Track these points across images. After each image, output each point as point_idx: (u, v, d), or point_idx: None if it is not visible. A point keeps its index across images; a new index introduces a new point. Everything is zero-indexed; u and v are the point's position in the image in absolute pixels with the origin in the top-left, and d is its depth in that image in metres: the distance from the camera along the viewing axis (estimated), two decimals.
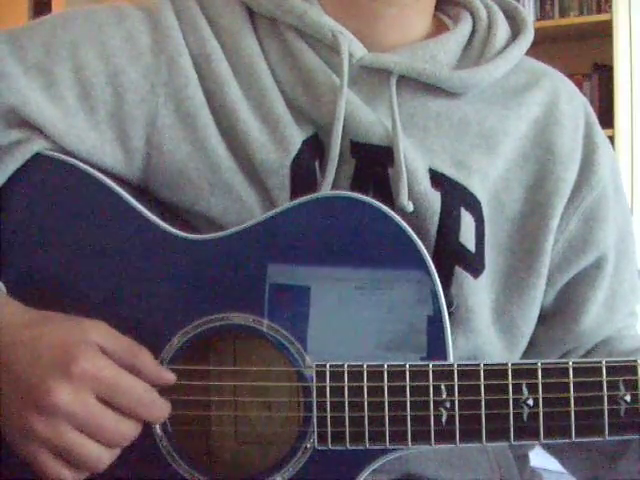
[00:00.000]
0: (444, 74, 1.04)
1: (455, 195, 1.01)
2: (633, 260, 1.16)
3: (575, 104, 1.13)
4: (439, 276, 0.94)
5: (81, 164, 0.99)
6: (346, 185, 1.01)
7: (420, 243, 0.93)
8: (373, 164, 1.01)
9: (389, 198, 1.00)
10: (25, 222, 0.99)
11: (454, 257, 1.01)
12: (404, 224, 0.93)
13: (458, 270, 1.01)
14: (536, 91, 1.10)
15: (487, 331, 1.05)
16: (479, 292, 1.03)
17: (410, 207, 0.98)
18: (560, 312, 1.11)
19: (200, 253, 0.96)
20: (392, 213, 0.93)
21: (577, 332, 1.10)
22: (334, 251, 0.94)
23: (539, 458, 1.21)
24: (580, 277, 1.10)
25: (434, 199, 1.00)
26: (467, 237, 1.01)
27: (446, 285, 0.99)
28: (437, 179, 1.01)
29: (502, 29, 1.11)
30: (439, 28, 1.12)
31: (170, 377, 0.91)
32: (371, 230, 0.93)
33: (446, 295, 0.96)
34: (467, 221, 1.02)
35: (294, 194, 0.99)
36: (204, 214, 1.01)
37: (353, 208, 0.94)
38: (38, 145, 0.99)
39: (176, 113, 1.01)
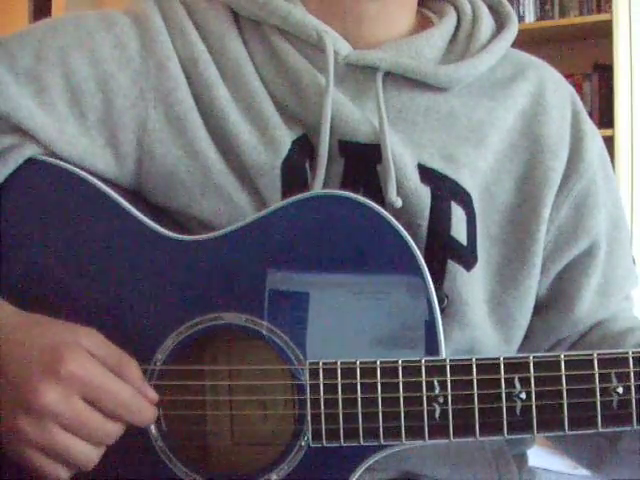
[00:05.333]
0: (430, 69, 1.05)
1: (445, 189, 1.02)
2: (627, 246, 1.16)
3: (561, 93, 1.13)
4: (432, 270, 0.94)
5: (74, 168, 0.99)
6: (336, 184, 1.01)
7: (411, 240, 0.93)
8: (362, 162, 1.02)
9: (379, 195, 1.00)
10: (18, 226, 0.99)
11: (446, 251, 1.01)
12: (394, 221, 0.93)
13: (451, 264, 1.01)
14: (522, 82, 1.11)
15: (483, 324, 1.05)
16: (473, 285, 1.03)
17: (399, 203, 0.98)
18: (554, 301, 1.11)
19: (193, 254, 0.96)
20: (382, 210, 0.93)
21: (572, 320, 1.10)
22: (326, 249, 0.94)
23: (539, 458, 1.21)
24: (573, 265, 1.11)
25: (424, 194, 1.01)
26: (458, 230, 1.02)
27: (439, 279, 1.00)
28: (426, 174, 1.02)
29: (486, 23, 1.12)
30: (423, 23, 1.13)
31: (153, 395, 0.92)
32: (362, 228, 0.93)
33: (438, 290, 0.96)
34: (458, 214, 1.02)
35: (285, 195, 0.99)
36: (197, 217, 1.01)
37: (344, 206, 0.94)
38: (30, 150, 0.99)
39: (166, 117, 1.02)
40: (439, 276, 1.00)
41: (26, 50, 1.02)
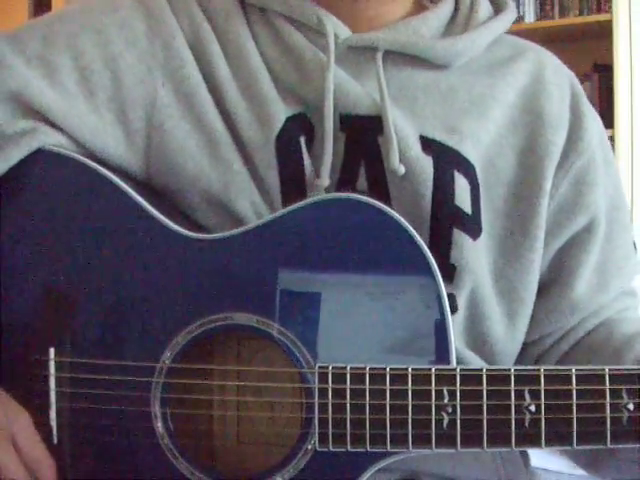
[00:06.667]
0: (427, 43, 1.07)
1: (448, 159, 1.03)
2: (627, 231, 1.18)
3: (561, 75, 1.15)
4: (438, 239, 0.96)
5: (86, 160, 1.00)
6: (339, 160, 1.03)
7: (423, 244, 0.92)
8: (363, 135, 1.04)
9: (381, 167, 1.02)
10: (28, 217, 0.99)
11: (452, 219, 1.02)
12: (406, 223, 0.93)
13: (457, 232, 1.02)
14: (521, 62, 1.13)
15: (488, 295, 1.07)
16: (479, 254, 1.04)
17: (402, 170, 1.00)
18: (554, 279, 1.12)
19: (205, 253, 0.96)
20: (394, 213, 0.93)
21: (572, 298, 1.11)
22: (339, 253, 0.94)
23: (538, 458, 1.21)
24: (572, 241, 1.12)
25: (426, 164, 1.02)
26: (462, 199, 1.03)
27: (446, 247, 1.01)
28: (428, 144, 1.03)
29: (484, 7, 1.15)
30: (420, 9, 1.15)
31: None
32: (373, 230, 0.93)
33: (447, 259, 0.99)
34: (461, 184, 1.03)
35: (282, 171, 1.01)
36: (206, 192, 1.02)
37: (356, 208, 0.94)
38: (44, 135, 1.01)
39: (175, 93, 1.04)
40: (446, 245, 1.02)
41: (35, 37, 1.05)
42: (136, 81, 1.04)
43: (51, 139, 1.01)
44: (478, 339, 1.08)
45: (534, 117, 1.10)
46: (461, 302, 1.05)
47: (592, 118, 1.14)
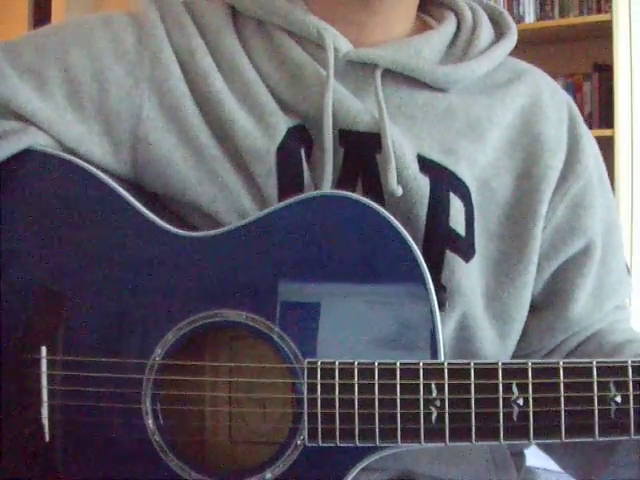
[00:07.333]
0: (428, 68, 1.06)
1: (443, 180, 1.03)
2: (620, 252, 1.17)
3: (558, 98, 1.15)
4: (430, 260, 0.94)
5: (75, 159, 1.00)
6: (336, 175, 1.03)
7: (414, 244, 0.93)
8: (361, 151, 1.03)
9: (378, 185, 1.01)
10: (17, 217, 0.99)
11: (445, 241, 1.02)
12: (397, 223, 0.93)
13: (449, 254, 1.02)
14: (519, 85, 1.13)
15: (480, 317, 1.06)
16: (471, 276, 1.04)
17: (399, 191, 0.99)
18: (550, 301, 1.12)
19: (195, 250, 0.96)
20: (387, 213, 0.93)
21: (566, 319, 1.10)
22: (327, 250, 0.94)
23: (538, 458, 1.21)
24: (569, 264, 1.11)
25: (423, 183, 1.01)
26: (457, 221, 1.02)
27: (438, 269, 1.01)
28: (425, 164, 1.03)
29: (486, 30, 1.14)
30: (423, 27, 1.15)
31: None
32: (364, 230, 0.93)
33: (438, 281, 0.98)
34: (456, 205, 1.03)
35: (280, 182, 1.01)
36: (194, 203, 1.03)
37: (347, 207, 0.94)
38: (33, 135, 1.01)
39: (160, 105, 1.04)
40: (437, 266, 1.01)
41: (30, 49, 1.07)
42: (122, 94, 1.04)
43: (41, 139, 1.02)
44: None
45: (532, 140, 1.10)
46: (451, 324, 1.04)
47: (588, 140, 1.14)
